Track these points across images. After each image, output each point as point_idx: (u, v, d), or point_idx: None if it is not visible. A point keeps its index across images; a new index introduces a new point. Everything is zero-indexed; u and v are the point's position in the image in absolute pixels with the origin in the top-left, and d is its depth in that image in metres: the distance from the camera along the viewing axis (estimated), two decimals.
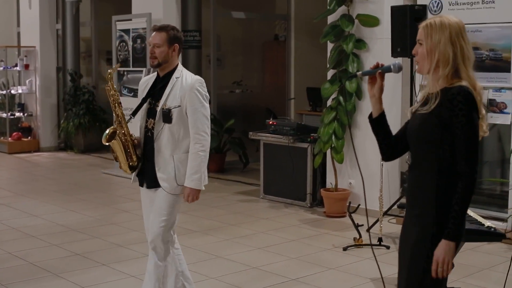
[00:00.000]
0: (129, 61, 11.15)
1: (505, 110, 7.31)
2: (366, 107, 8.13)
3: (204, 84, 4.73)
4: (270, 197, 9.23)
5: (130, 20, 11.29)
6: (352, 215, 7.20)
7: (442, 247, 3.05)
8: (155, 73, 4.86)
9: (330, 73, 8.47)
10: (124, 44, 11.25)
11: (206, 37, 11.81)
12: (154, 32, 4.74)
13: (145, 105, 4.78)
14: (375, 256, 3.99)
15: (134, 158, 4.78)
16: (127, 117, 4.83)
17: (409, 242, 3.20)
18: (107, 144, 4.78)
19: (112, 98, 4.81)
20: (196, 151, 4.62)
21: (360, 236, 7.04)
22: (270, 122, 9.39)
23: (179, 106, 4.62)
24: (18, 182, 11.08)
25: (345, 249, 6.92)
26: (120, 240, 7.30)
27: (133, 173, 4.88)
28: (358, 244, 6.98)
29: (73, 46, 14.20)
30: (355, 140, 8.32)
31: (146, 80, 4.90)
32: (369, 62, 7.95)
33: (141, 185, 4.88)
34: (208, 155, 4.71)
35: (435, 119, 3.09)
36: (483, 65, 7.41)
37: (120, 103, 4.85)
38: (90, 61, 15.52)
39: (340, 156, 8.25)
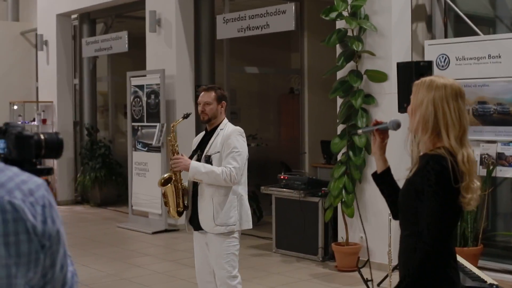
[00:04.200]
0: (143, 116, 11.29)
1: None
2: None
3: (243, 134, 5.19)
4: (282, 251, 9.21)
5: (145, 76, 11.47)
6: (364, 269, 7.18)
7: None
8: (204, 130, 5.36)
9: (340, 128, 8.51)
10: (138, 99, 11.40)
11: None
12: (203, 92, 5.20)
13: (194, 157, 5.23)
14: None
15: (181, 205, 5.21)
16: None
17: None
18: (161, 187, 5.22)
19: (171, 148, 5.27)
20: (222, 169, 4.99)
21: None
22: (282, 177, 9.41)
23: (218, 152, 5.07)
24: None
25: None
26: None
27: (185, 220, 5.30)
28: None
29: (90, 101, 14.42)
30: (365, 194, 8.34)
31: (198, 137, 5.40)
32: (378, 117, 7.93)
33: (196, 229, 5.23)
34: (221, 181, 5.00)
35: (411, 187, 3.00)
36: (491, 119, 7.47)
37: (178, 152, 5.29)
38: (107, 115, 15.73)
39: (350, 210, 8.25)
